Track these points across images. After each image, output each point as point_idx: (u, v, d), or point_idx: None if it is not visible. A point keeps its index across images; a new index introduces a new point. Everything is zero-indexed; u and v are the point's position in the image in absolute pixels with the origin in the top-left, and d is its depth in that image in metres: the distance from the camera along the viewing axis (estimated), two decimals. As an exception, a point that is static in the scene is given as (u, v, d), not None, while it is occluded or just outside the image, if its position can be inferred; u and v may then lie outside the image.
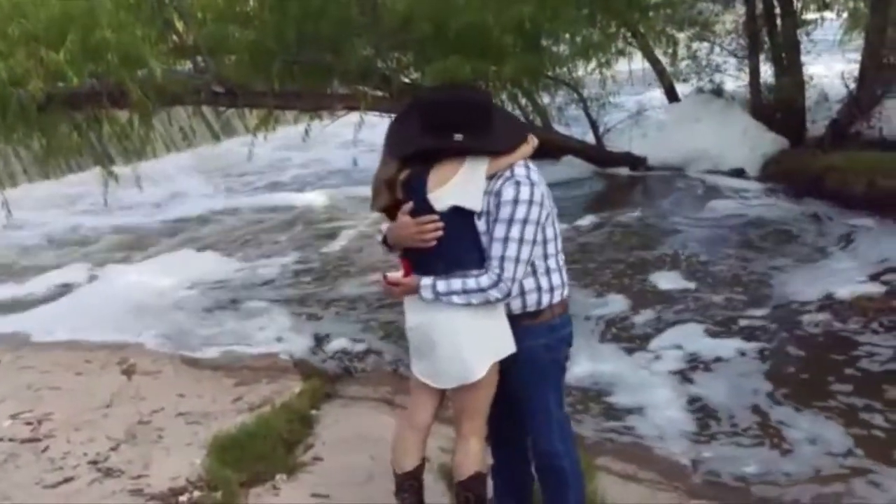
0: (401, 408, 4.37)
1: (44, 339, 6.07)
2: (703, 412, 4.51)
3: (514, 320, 2.74)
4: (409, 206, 2.68)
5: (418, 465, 2.90)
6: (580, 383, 4.76)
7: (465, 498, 2.82)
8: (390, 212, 2.78)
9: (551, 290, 2.75)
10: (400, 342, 5.42)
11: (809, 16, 10.75)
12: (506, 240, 2.60)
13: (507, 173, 2.66)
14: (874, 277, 6.22)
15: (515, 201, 2.60)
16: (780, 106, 10.23)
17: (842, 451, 4.03)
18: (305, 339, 5.88)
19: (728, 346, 5.28)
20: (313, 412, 4.53)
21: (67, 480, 3.97)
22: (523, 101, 10.21)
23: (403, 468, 2.89)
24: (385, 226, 2.82)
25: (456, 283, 2.63)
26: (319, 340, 5.84)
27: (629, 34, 10.50)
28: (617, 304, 6.11)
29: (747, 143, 9.89)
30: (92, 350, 5.74)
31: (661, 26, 10.22)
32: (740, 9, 11.03)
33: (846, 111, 9.64)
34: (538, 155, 2.77)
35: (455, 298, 2.63)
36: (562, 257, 2.81)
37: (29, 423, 4.60)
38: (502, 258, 2.60)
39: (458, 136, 2.62)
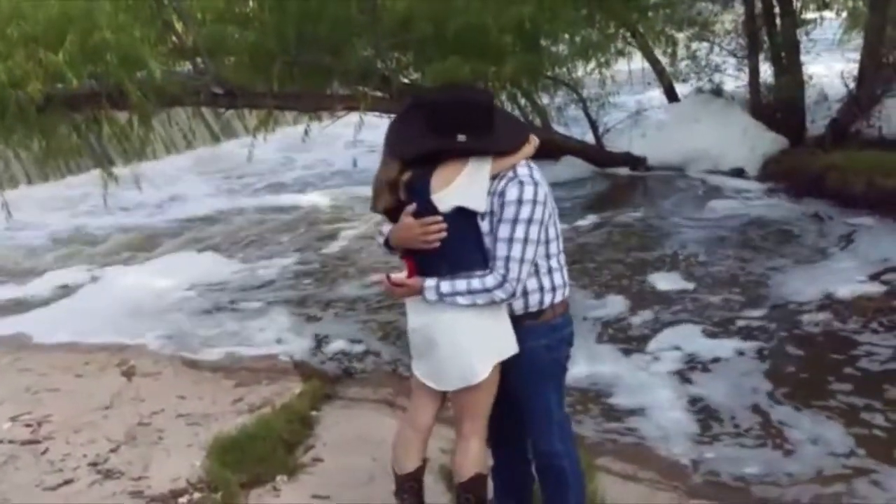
0: (401, 409, 4.37)
1: (43, 341, 6.07)
2: (702, 412, 4.50)
3: (516, 320, 2.74)
4: (412, 207, 2.67)
5: (419, 466, 2.90)
6: (579, 383, 4.74)
7: (465, 499, 2.82)
8: (392, 213, 2.77)
9: (553, 289, 2.76)
10: (399, 343, 5.43)
11: (809, 15, 10.76)
12: (511, 240, 2.60)
13: (510, 173, 2.66)
14: (874, 277, 6.22)
15: (520, 201, 2.60)
16: (779, 105, 10.23)
17: (842, 451, 4.02)
18: (305, 340, 5.88)
19: (728, 346, 5.28)
20: (313, 413, 4.53)
21: (67, 482, 3.97)
22: (523, 101, 10.21)
23: (404, 469, 2.89)
24: (385, 227, 2.81)
25: (460, 284, 2.62)
26: (319, 341, 5.84)
27: (628, 34, 10.52)
28: (616, 304, 6.11)
29: (747, 142, 9.89)
30: (91, 352, 5.74)
31: (660, 26, 10.24)
32: (739, 9, 11.04)
33: (846, 110, 9.65)
34: (538, 155, 2.77)
35: (459, 299, 2.63)
36: (563, 257, 2.80)
37: (28, 425, 4.60)
38: (507, 258, 2.60)
39: (462, 137, 2.61)
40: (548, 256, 2.73)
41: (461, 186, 2.63)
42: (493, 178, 2.66)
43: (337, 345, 5.73)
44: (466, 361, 2.69)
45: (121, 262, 8.30)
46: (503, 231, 2.61)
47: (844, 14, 11.51)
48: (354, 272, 7.40)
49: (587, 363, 4.97)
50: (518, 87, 9.44)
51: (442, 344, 2.70)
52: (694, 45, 11.10)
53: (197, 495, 3.74)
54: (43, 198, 11.28)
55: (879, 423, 4.26)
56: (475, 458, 2.81)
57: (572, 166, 10.15)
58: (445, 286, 2.63)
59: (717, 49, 11.25)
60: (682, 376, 4.93)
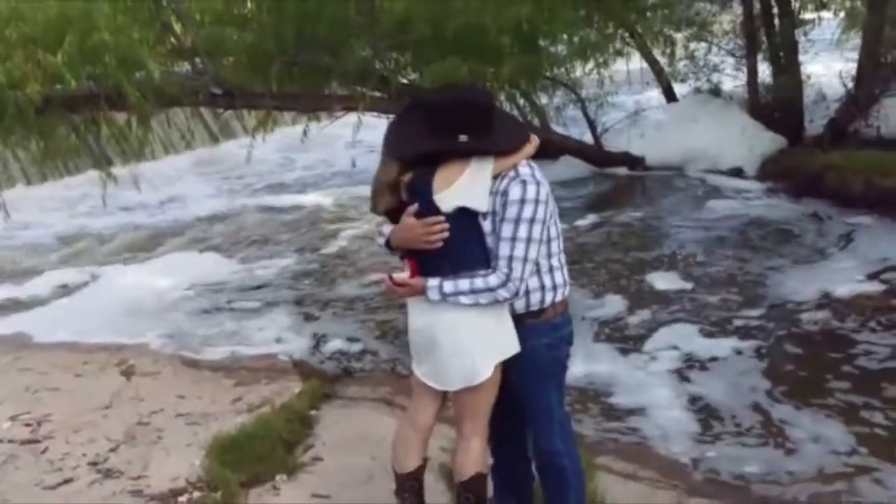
0: (400, 408, 4.38)
1: (43, 341, 6.07)
2: (702, 411, 4.51)
3: (517, 319, 2.74)
4: (414, 207, 2.67)
5: (419, 465, 2.90)
6: (578, 383, 4.75)
7: (465, 498, 2.82)
8: (393, 214, 2.77)
9: (554, 288, 2.76)
10: (398, 342, 5.44)
11: (807, 15, 10.78)
12: (513, 239, 2.60)
13: (512, 173, 2.66)
14: (873, 276, 6.22)
15: (522, 200, 2.61)
16: (778, 105, 10.25)
17: (842, 449, 4.03)
18: (305, 339, 5.88)
19: (726, 346, 5.28)
20: (313, 413, 4.53)
21: (67, 482, 3.97)
22: (521, 101, 10.22)
23: (404, 468, 2.89)
24: (386, 227, 2.81)
25: (463, 284, 2.62)
26: (318, 341, 5.84)
27: (627, 34, 10.53)
28: (615, 303, 6.11)
29: (745, 142, 9.89)
30: (91, 351, 5.75)
31: (658, 26, 10.25)
32: (738, 9, 11.07)
33: (844, 110, 9.66)
34: (536, 155, 2.77)
35: (462, 299, 2.63)
36: (563, 256, 2.81)
37: (28, 425, 4.60)
38: (510, 258, 2.61)
39: (463, 138, 2.61)
40: (549, 255, 2.73)
41: (463, 186, 2.63)
42: (495, 177, 2.66)
43: (336, 344, 5.74)
44: (469, 361, 2.69)
45: (120, 261, 8.31)
46: (506, 230, 2.61)
47: (842, 14, 11.54)
48: (353, 272, 7.40)
49: (586, 362, 4.97)
50: (517, 87, 9.45)
51: (444, 344, 2.70)
52: (692, 46, 11.12)
53: (196, 494, 3.74)
54: (42, 198, 11.30)
55: (879, 422, 4.26)
56: (476, 457, 2.82)
57: (571, 166, 10.16)
58: (448, 286, 2.63)
59: (715, 49, 11.27)
60: (681, 375, 4.93)
